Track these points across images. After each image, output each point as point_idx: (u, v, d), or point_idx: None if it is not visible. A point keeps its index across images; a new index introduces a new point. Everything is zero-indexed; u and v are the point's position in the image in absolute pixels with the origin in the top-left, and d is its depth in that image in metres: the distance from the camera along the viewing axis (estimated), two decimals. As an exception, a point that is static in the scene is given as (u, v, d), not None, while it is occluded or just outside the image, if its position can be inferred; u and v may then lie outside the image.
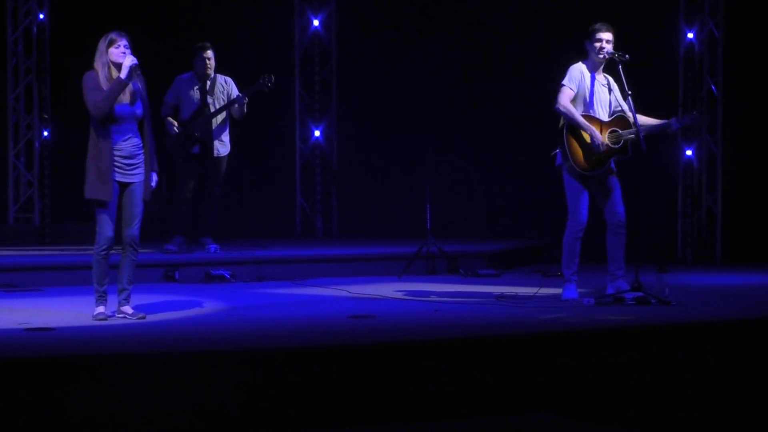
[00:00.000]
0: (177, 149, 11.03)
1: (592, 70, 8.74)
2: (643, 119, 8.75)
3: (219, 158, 11.09)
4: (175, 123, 10.99)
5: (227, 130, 11.13)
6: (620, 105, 8.75)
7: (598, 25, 8.69)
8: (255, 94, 10.99)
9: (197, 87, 11.08)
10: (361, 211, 14.32)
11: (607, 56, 8.63)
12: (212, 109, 11.02)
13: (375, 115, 14.16)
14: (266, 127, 14.00)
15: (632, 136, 8.55)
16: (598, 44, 8.65)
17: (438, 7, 13.84)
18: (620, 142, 8.62)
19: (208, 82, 11.07)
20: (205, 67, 11.03)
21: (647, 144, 8.42)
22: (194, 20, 13.63)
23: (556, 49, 10.37)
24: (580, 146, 8.67)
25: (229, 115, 11.10)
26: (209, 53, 11.05)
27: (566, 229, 8.74)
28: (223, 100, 11.07)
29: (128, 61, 7.71)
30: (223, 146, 11.11)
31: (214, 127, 11.04)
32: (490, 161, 13.49)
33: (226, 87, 11.12)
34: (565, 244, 8.76)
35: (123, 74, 7.70)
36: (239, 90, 11.07)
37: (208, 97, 11.05)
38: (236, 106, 10.91)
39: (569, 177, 8.70)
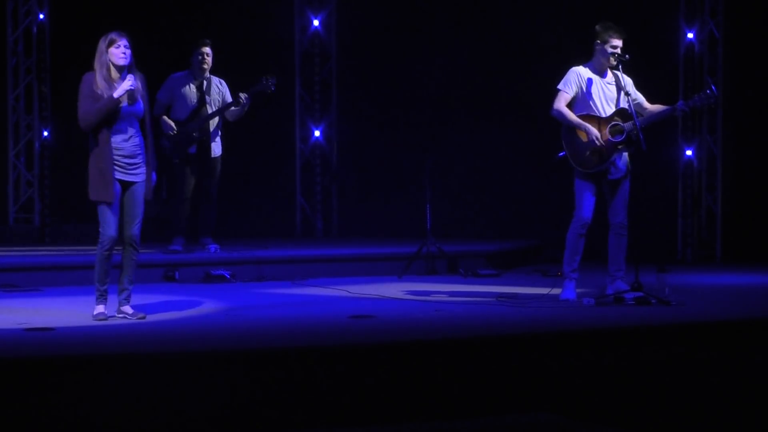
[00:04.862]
0: (174, 149, 10.99)
1: (597, 72, 8.71)
2: (654, 107, 8.74)
3: (215, 158, 11.06)
4: (172, 123, 10.95)
5: (220, 131, 11.09)
6: (637, 97, 8.72)
7: (612, 31, 8.61)
8: (256, 95, 10.96)
9: (194, 86, 11.03)
10: (361, 211, 14.33)
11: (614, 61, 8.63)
12: (209, 110, 11.00)
13: (375, 115, 14.16)
14: (266, 127, 14.00)
15: (633, 129, 8.53)
16: (612, 50, 8.61)
17: (437, 7, 13.84)
18: (623, 134, 8.61)
19: (204, 83, 11.03)
20: (201, 63, 10.97)
21: (647, 144, 8.42)
22: (194, 20, 13.64)
23: (556, 49, 10.38)
24: (576, 147, 8.68)
25: (221, 116, 11.06)
26: (207, 50, 10.99)
27: (570, 224, 8.76)
28: (219, 102, 11.03)
29: (127, 84, 7.64)
30: (217, 146, 11.08)
31: (211, 128, 11.02)
32: (490, 161, 13.49)
33: (221, 89, 11.09)
34: (567, 240, 8.77)
35: (117, 93, 7.64)
36: (237, 91, 10.99)
37: (206, 97, 11.02)
38: (233, 108, 10.87)
39: (578, 174, 8.71)
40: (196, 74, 11.04)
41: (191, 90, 11.03)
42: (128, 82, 7.66)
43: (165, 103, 11.04)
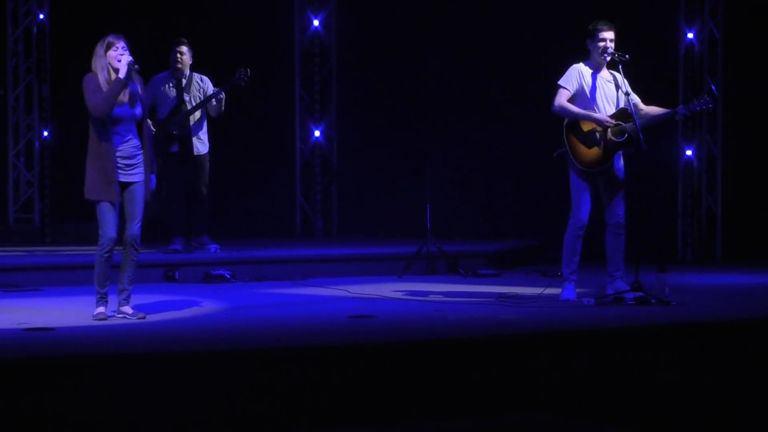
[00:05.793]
0: (157, 149, 10.91)
1: (595, 69, 8.72)
2: (650, 108, 8.74)
3: (200, 156, 11.00)
4: (150, 123, 10.88)
5: (205, 128, 11.03)
6: (633, 98, 8.72)
7: (600, 25, 8.66)
8: (236, 89, 10.85)
9: (172, 85, 10.99)
10: (361, 211, 14.33)
11: (609, 56, 8.63)
12: (189, 107, 10.96)
13: (375, 115, 14.16)
14: (266, 127, 14.00)
15: (634, 129, 8.53)
16: (601, 44, 8.63)
17: (437, 7, 13.85)
18: (624, 134, 8.61)
19: (184, 80, 11.00)
20: (176, 62, 10.93)
21: (647, 144, 8.42)
22: (194, 21, 13.64)
23: (555, 49, 10.37)
24: (581, 143, 8.66)
25: (206, 113, 11.03)
26: (183, 48, 10.95)
27: (567, 227, 8.75)
28: (200, 98, 11.00)
29: (125, 60, 7.72)
30: (202, 144, 11.02)
31: (191, 125, 10.97)
32: (490, 161, 13.49)
33: (202, 85, 11.04)
34: (565, 242, 8.76)
35: (121, 74, 7.71)
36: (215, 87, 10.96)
37: (185, 94, 10.98)
38: (213, 103, 10.81)
39: (574, 174, 8.70)
40: (174, 73, 11.02)
41: (170, 89, 10.99)
42: (126, 58, 7.69)
43: (148, 104, 10.90)
